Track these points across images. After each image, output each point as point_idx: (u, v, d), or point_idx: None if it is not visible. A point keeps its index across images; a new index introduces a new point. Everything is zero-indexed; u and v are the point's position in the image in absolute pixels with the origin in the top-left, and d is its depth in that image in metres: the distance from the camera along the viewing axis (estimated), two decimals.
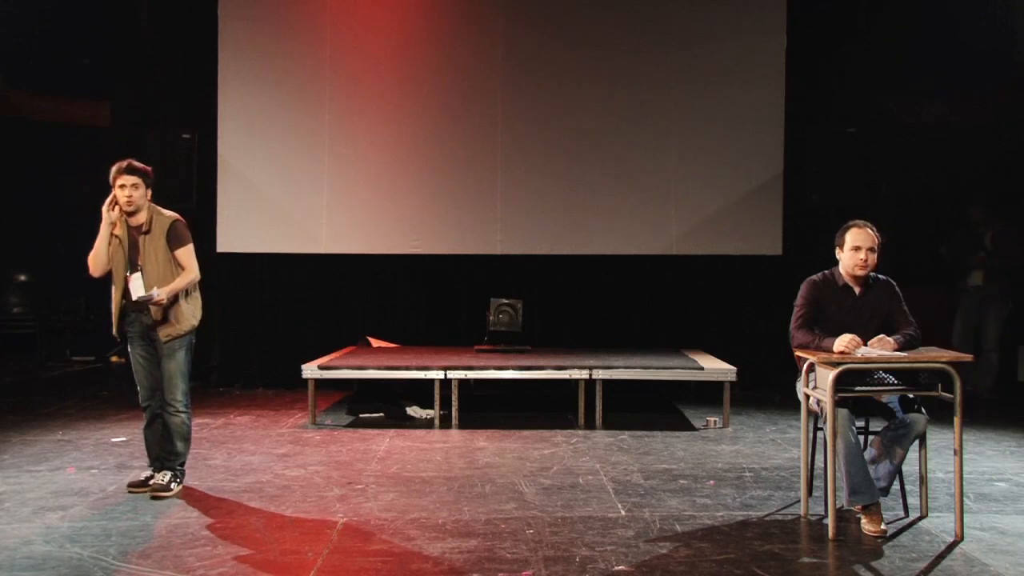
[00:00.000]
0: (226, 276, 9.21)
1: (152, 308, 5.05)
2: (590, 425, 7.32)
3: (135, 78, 9.53)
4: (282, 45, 9.28)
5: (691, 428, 7.30)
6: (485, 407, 8.05)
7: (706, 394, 8.21)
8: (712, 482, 5.51)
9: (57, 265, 9.90)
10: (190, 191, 9.03)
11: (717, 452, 6.38)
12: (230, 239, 9.19)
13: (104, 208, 5.04)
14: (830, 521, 4.40)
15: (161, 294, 5.02)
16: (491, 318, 8.50)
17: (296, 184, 9.31)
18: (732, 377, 7.31)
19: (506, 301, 8.47)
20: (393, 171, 9.31)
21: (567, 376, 7.40)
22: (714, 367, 7.45)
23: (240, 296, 9.46)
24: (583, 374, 7.35)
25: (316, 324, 9.48)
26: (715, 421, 7.35)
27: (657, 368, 7.46)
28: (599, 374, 7.33)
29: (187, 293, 5.15)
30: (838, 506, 4.47)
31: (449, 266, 9.47)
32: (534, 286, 9.24)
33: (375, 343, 9.00)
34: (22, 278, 10.37)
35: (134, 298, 5.06)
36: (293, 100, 9.26)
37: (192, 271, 5.15)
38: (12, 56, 9.54)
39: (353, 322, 9.40)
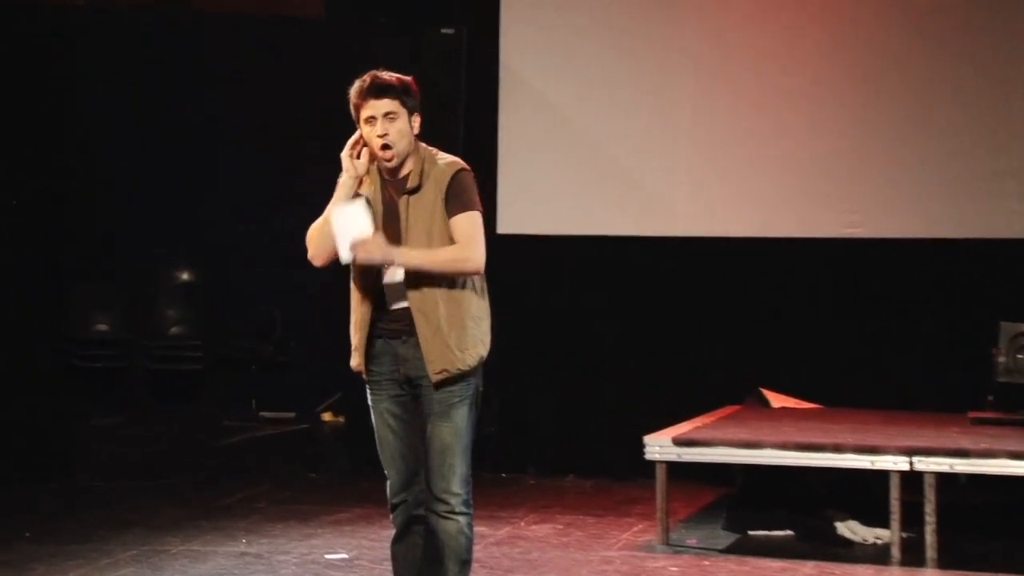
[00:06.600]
0: (508, 276, 8.74)
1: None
2: None
3: None
4: None
5: None
6: (989, 529, 7.72)
7: None
8: None
9: (237, 256, 10.39)
10: (455, 128, 8.74)
11: None
12: (518, 213, 9.25)
13: (344, 155, 4.96)
14: None
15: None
16: (1001, 359, 8.07)
17: None
18: None
19: None
20: (808, 107, 9.19)
21: None
22: None
23: (532, 312, 9.33)
24: None
25: (664, 363, 9.32)
26: None
27: None
28: None
29: (473, 299, 5.07)
30: None
31: (909, 261, 9.09)
32: None
33: (775, 400, 8.89)
34: (185, 277, 10.73)
35: (391, 307, 4.91)
36: None
37: (473, 257, 4.96)
38: None
39: (732, 361, 9.23)
